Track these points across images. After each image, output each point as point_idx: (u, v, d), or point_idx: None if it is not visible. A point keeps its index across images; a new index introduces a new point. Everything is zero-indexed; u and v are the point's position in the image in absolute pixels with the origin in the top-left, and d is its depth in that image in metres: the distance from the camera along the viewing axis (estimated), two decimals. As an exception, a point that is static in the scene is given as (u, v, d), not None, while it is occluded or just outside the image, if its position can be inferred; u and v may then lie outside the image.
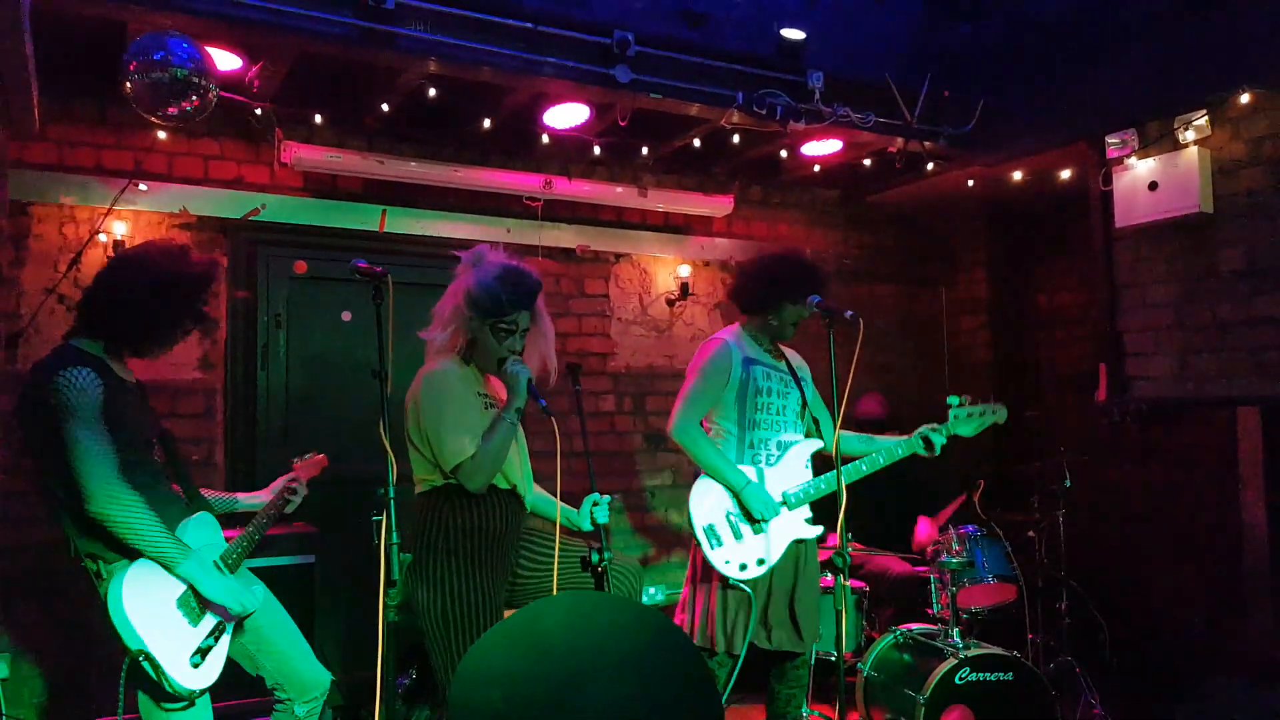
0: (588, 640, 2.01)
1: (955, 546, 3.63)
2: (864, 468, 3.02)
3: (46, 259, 3.57)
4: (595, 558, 2.40)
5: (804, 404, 3.11)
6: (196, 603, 2.30)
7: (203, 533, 2.42)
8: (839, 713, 2.69)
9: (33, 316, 3.51)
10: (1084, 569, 4.16)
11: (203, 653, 2.27)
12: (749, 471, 2.98)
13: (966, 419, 3.05)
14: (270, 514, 2.61)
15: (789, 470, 3.03)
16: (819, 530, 3.04)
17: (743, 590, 2.89)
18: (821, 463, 3.09)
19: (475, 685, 1.89)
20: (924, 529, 4.26)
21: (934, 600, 3.66)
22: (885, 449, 3.03)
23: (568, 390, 2.68)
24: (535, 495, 2.68)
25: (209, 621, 2.32)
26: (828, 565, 3.50)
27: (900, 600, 3.98)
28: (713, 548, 2.91)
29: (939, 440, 3.02)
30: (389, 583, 2.15)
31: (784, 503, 2.99)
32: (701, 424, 3.05)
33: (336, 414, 3.94)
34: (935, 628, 3.59)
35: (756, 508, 2.91)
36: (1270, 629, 3.80)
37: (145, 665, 2.15)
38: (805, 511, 3.03)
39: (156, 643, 2.18)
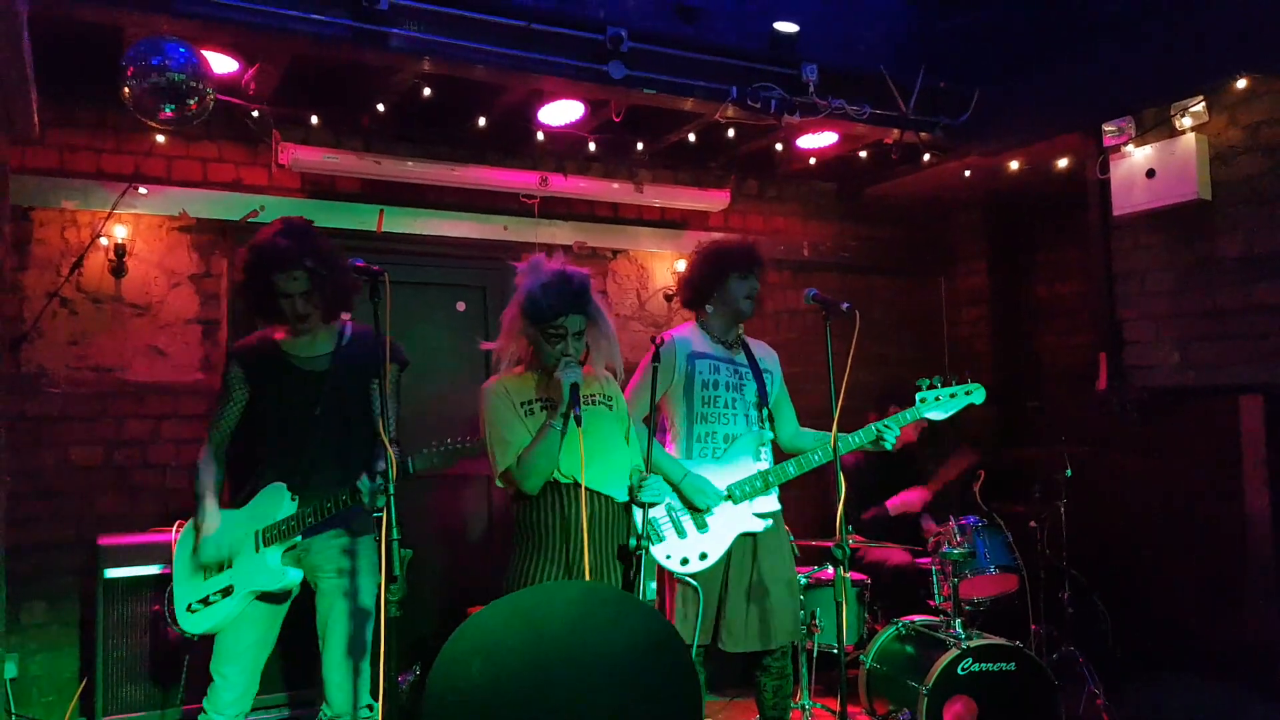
0: (585, 629, 2.03)
1: (957, 537, 3.63)
2: (816, 458, 2.99)
3: (49, 263, 3.60)
4: (633, 543, 2.51)
5: (761, 396, 3.08)
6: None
7: (264, 504, 2.61)
8: (840, 705, 2.70)
9: (36, 320, 3.55)
10: (1086, 559, 4.16)
11: (202, 603, 2.58)
12: (695, 466, 2.96)
13: (935, 402, 3.00)
14: (336, 502, 2.54)
15: (736, 463, 3.00)
16: (769, 524, 2.99)
17: (689, 584, 2.88)
18: (779, 455, 3.10)
19: (459, 653, 1.92)
20: (912, 494, 4.29)
21: (936, 591, 3.66)
22: (842, 440, 2.94)
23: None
24: None
25: (220, 581, 2.58)
26: (827, 557, 3.51)
27: (900, 590, 3.98)
28: (653, 543, 2.88)
29: (890, 435, 2.96)
30: (390, 578, 2.17)
31: (729, 496, 2.95)
32: (661, 419, 3.07)
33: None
34: (937, 619, 3.60)
35: (696, 498, 2.89)
36: (1273, 617, 3.78)
37: (166, 594, 2.69)
38: (755, 505, 2.98)
39: (176, 576, 2.66)
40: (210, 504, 2.62)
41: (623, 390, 2.85)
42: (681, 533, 2.93)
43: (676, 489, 2.93)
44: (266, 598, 2.62)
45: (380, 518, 2.22)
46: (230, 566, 2.58)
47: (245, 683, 2.61)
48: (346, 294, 2.69)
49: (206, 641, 2.67)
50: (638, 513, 2.72)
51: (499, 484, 2.56)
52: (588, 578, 2.45)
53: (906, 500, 4.27)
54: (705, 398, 3.00)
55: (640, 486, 2.58)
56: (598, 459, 2.53)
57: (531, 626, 2.00)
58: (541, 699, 1.94)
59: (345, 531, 2.65)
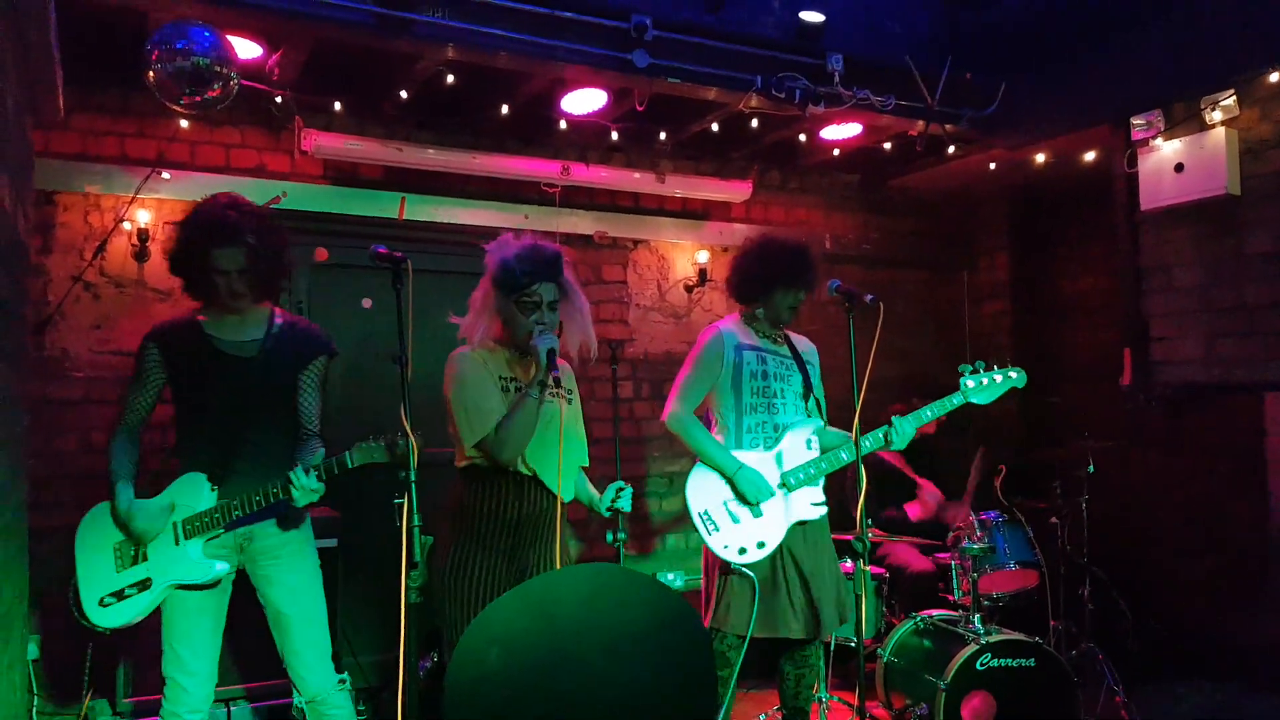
0: (598, 613, 2.03)
1: (977, 532, 3.61)
2: (866, 445, 2.95)
3: (72, 247, 3.62)
4: (610, 537, 2.49)
5: (806, 387, 3.11)
6: (132, 553, 2.47)
7: (182, 494, 2.47)
8: (858, 699, 2.70)
9: (59, 304, 3.57)
10: (1107, 555, 4.13)
11: (115, 596, 2.46)
12: (746, 456, 2.97)
13: (981, 386, 3.02)
14: (259, 497, 2.44)
15: (788, 453, 3.01)
16: (823, 512, 3.02)
17: (745, 574, 2.89)
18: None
19: (476, 642, 1.93)
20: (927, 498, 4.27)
21: (955, 586, 3.65)
22: (872, 434, 2.98)
23: (603, 373, 2.80)
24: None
25: (136, 573, 2.46)
26: (847, 550, 3.50)
27: (920, 595, 3.97)
28: (710, 533, 2.92)
29: (906, 430, 2.94)
30: (410, 565, 2.17)
31: (783, 484, 2.97)
32: (706, 413, 3.09)
33: (357, 399, 3.97)
34: (956, 613, 3.59)
35: (749, 491, 2.90)
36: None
37: (71, 588, 2.50)
38: (810, 494, 3.00)
39: (81, 569, 2.51)
40: (126, 486, 2.47)
41: (674, 378, 2.94)
42: (735, 520, 2.94)
43: (730, 482, 2.94)
44: (197, 587, 2.49)
45: (401, 504, 2.21)
46: (145, 559, 2.46)
47: (211, 674, 2.53)
48: (280, 277, 2.58)
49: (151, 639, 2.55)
50: (694, 507, 2.85)
51: (469, 454, 2.46)
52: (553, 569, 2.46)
53: (924, 506, 4.26)
54: (755, 388, 3.02)
55: (618, 496, 2.55)
56: (552, 456, 2.50)
57: (544, 613, 2.01)
58: (560, 682, 1.95)
59: (278, 522, 2.55)
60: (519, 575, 2.49)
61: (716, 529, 2.92)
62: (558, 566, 2.55)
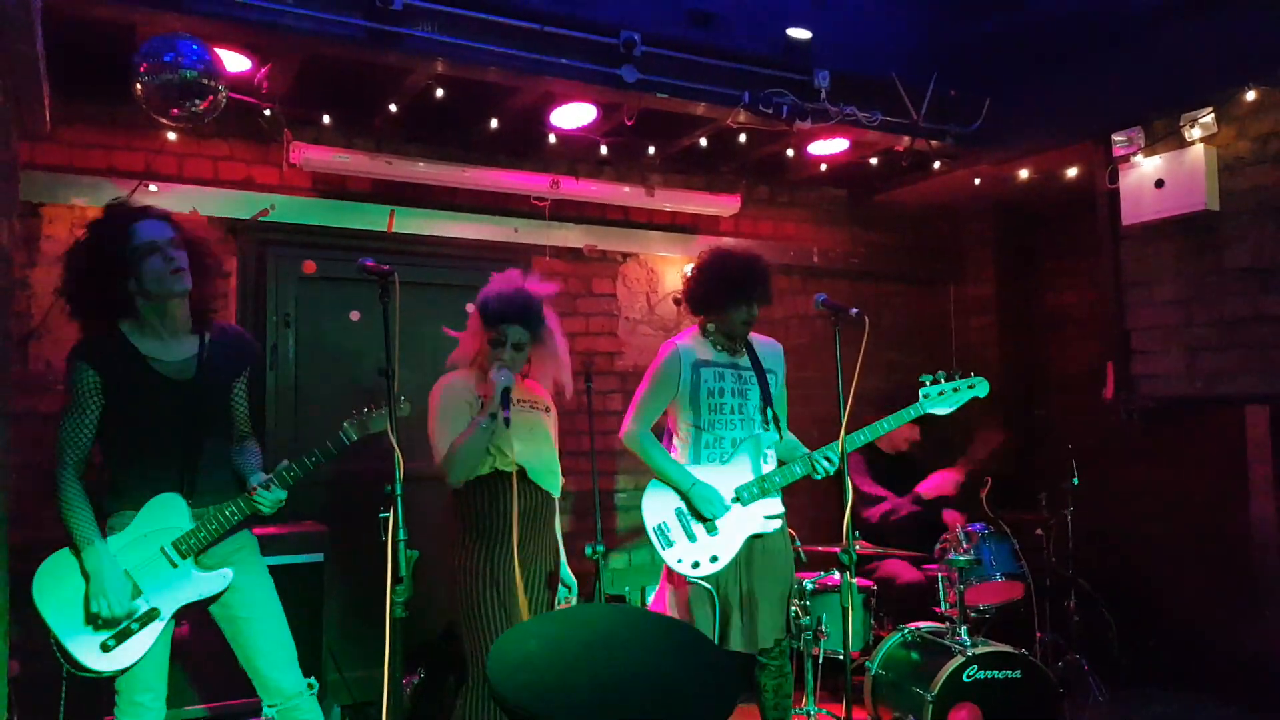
0: (629, 640, 2.09)
1: (963, 544, 3.63)
2: (799, 469, 3.02)
3: (58, 260, 3.56)
4: (589, 551, 2.71)
5: (765, 399, 3.11)
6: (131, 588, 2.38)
7: (160, 518, 2.41)
8: (845, 711, 2.70)
9: (44, 317, 3.54)
10: (1092, 567, 4.16)
11: (119, 637, 2.34)
12: (701, 471, 2.99)
13: (938, 397, 3.05)
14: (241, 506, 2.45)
15: (743, 467, 3.03)
16: (778, 525, 3.04)
17: (702, 586, 2.91)
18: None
19: (516, 639, 2.02)
20: (937, 480, 4.25)
21: (942, 598, 3.66)
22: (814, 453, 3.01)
23: (579, 388, 2.96)
24: None
25: (136, 608, 2.36)
26: (833, 563, 3.51)
27: (907, 607, 3.97)
28: (664, 547, 2.94)
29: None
30: (396, 580, 2.17)
31: (736, 499, 2.99)
32: (667, 426, 3.13)
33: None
34: (943, 626, 3.60)
35: (703, 507, 2.93)
36: (1278, 627, 3.78)
37: (53, 644, 2.34)
38: (764, 507, 3.01)
39: (63, 625, 2.34)
40: (103, 547, 2.34)
41: (633, 394, 3.01)
42: (691, 536, 2.96)
43: (685, 497, 2.97)
44: (209, 601, 2.46)
45: (387, 519, 2.21)
46: (139, 593, 2.38)
47: (164, 693, 2.48)
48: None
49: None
50: (649, 522, 2.94)
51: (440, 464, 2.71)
52: (518, 565, 2.68)
53: (940, 484, 4.23)
54: (711, 405, 3.04)
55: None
56: (534, 455, 2.75)
57: (580, 625, 2.12)
58: (594, 674, 1.96)
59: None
60: (524, 567, 2.71)
61: (670, 544, 2.95)
62: (551, 559, 2.83)
